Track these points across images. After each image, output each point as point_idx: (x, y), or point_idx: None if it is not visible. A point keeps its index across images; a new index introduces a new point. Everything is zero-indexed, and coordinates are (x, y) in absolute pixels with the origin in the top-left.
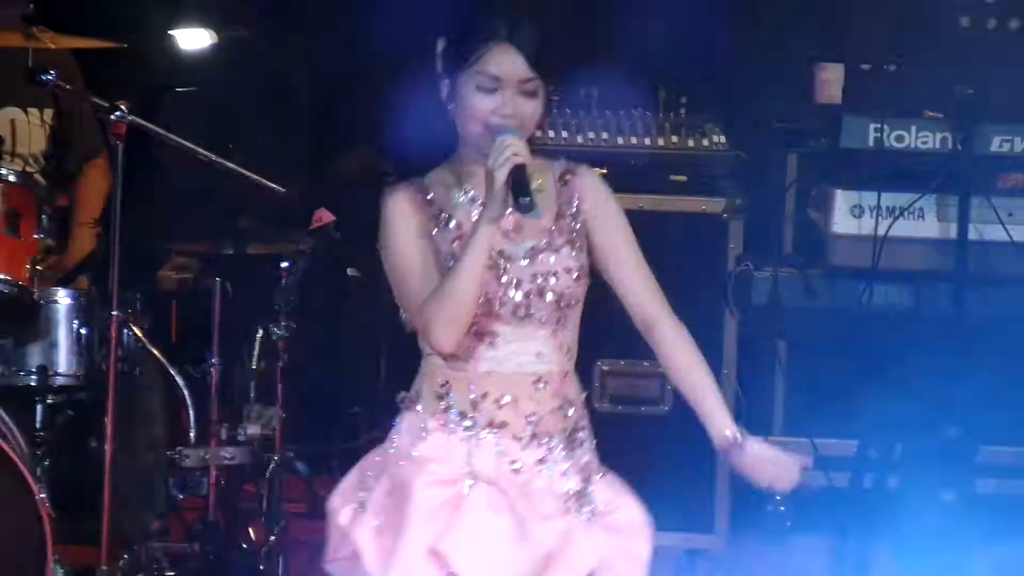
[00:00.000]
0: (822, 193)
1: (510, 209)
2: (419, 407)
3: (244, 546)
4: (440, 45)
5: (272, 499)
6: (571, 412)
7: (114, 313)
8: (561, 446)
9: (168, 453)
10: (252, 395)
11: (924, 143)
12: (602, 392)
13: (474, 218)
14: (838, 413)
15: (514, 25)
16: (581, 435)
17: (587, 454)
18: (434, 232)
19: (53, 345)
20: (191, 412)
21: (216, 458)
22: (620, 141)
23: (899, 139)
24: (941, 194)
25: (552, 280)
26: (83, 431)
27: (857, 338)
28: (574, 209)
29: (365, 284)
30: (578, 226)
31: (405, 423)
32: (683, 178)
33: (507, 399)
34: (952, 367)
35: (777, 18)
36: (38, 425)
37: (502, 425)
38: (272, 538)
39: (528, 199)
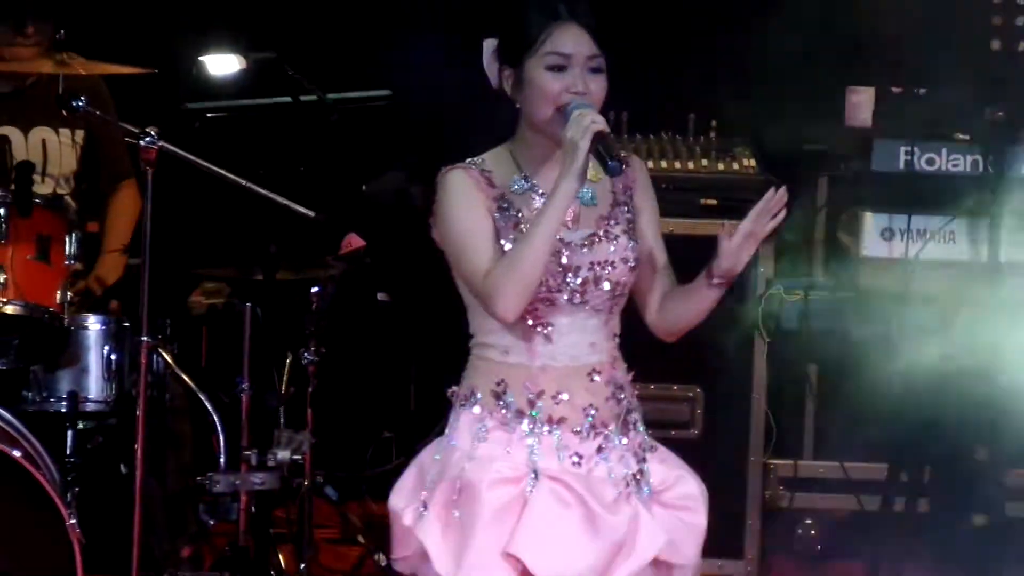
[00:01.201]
0: (853, 216)
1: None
2: (475, 405)
3: (274, 572)
4: (490, 45)
5: (302, 524)
6: (623, 397)
7: (144, 339)
8: (618, 432)
9: (198, 478)
10: (282, 420)
11: (955, 166)
12: None
13: (534, 206)
14: (868, 437)
15: (572, 3)
16: (634, 416)
17: (640, 434)
18: (495, 215)
19: (83, 371)
20: (221, 437)
21: (246, 483)
22: (650, 165)
23: (930, 162)
24: (972, 217)
25: (609, 269)
26: (113, 457)
27: (887, 361)
28: (627, 198)
29: (395, 309)
30: (630, 215)
31: (462, 422)
32: (713, 201)
33: (564, 395)
34: (982, 390)
35: (808, 41)
36: (68, 451)
37: (561, 420)
38: (302, 564)
39: (617, 163)
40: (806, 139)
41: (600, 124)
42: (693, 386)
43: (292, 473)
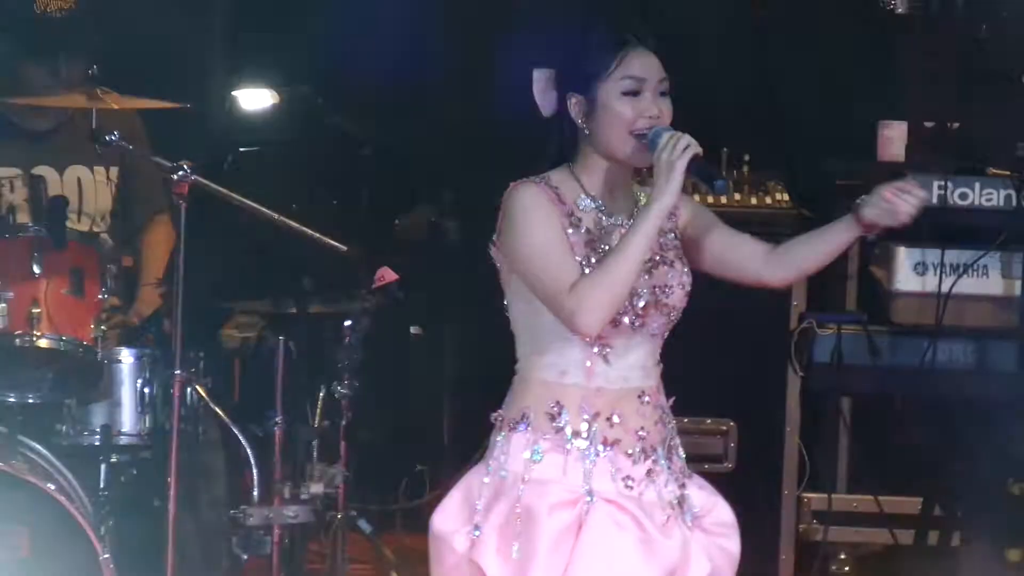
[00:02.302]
0: (885, 250)
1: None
2: (527, 428)
3: None
4: (544, 74)
5: (336, 558)
6: (669, 421)
7: (177, 372)
8: (664, 456)
9: (231, 512)
10: (315, 453)
11: (988, 200)
12: None
13: (603, 226)
14: (902, 470)
15: (639, 29)
16: (676, 440)
17: (680, 459)
18: (568, 231)
19: (117, 404)
20: (254, 471)
21: (279, 517)
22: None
23: (963, 196)
24: (1005, 251)
25: (669, 294)
26: (147, 490)
27: (920, 395)
28: (673, 223)
29: (428, 342)
30: (678, 242)
31: (513, 445)
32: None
33: (617, 417)
34: (1016, 424)
35: (841, 76)
36: (102, 484)
37: (615, 443)
38: None
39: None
40: (839, 173)
41: (696, 147)
42: (727, 420)
43: (325, 506)
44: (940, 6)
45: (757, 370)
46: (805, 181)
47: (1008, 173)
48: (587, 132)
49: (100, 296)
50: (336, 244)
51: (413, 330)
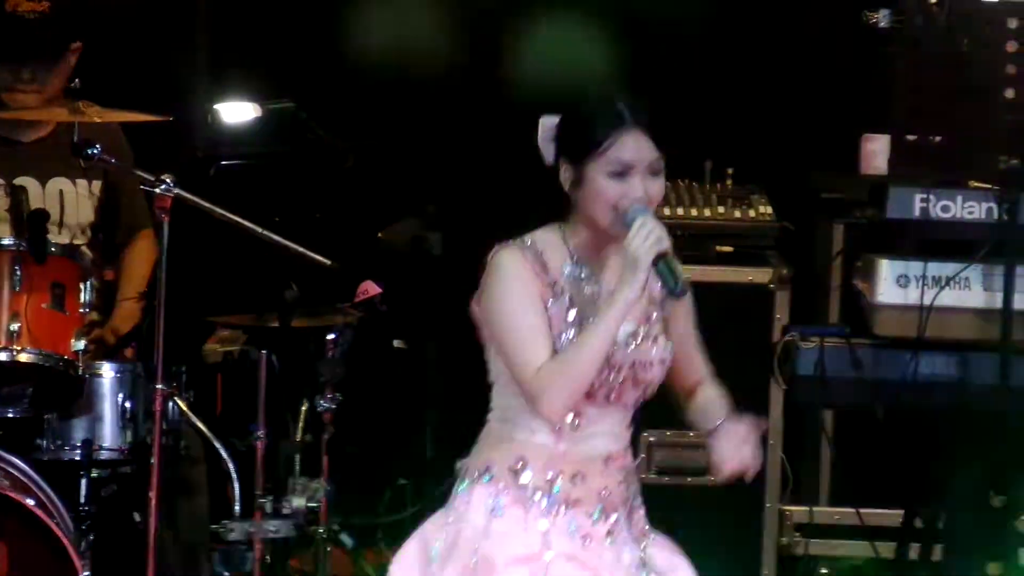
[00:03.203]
0: (868, 263)
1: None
2: (489, 481)
3: None
4: (548, 129)
5: (318, 573)
6: (632, 483)
7: (159, 387)
8: (624, 517)
9: (213, 527)
10: (297, 468)
11: (970, 213)
12: (648, 463)
13: (586, 293)
14: (884, 483)
15: (635, 107)
16: (637, 502)
17: (642, 520)
18: (549, 301)
19: (98, 419)
20: (236, 485)
21: (261, 531)
22: (667, 212)
23: (945, 209)
24: (987, 264)
25: (649, 371)
26: (127, 505)
27: (903, 408)
28: (661, 295)
29: (411, 356)
30: (666, 314)
31: (475, 497)
32: (729, 248)
33: (581, 478)
34: (997, 437)
35: (823, 90)
36: (82, 499)
37: (576, 502)
38: None
39: (681, 287)
40: (822, 186)
41: (664, 245)
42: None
43: (307, 521)
44: (922, 21)
45: (740, 383)
46: (788, 194)
47: (990, 186)
48: (573, 199)
49: (81, 310)
50: (319, 258)
51: (396, 344)
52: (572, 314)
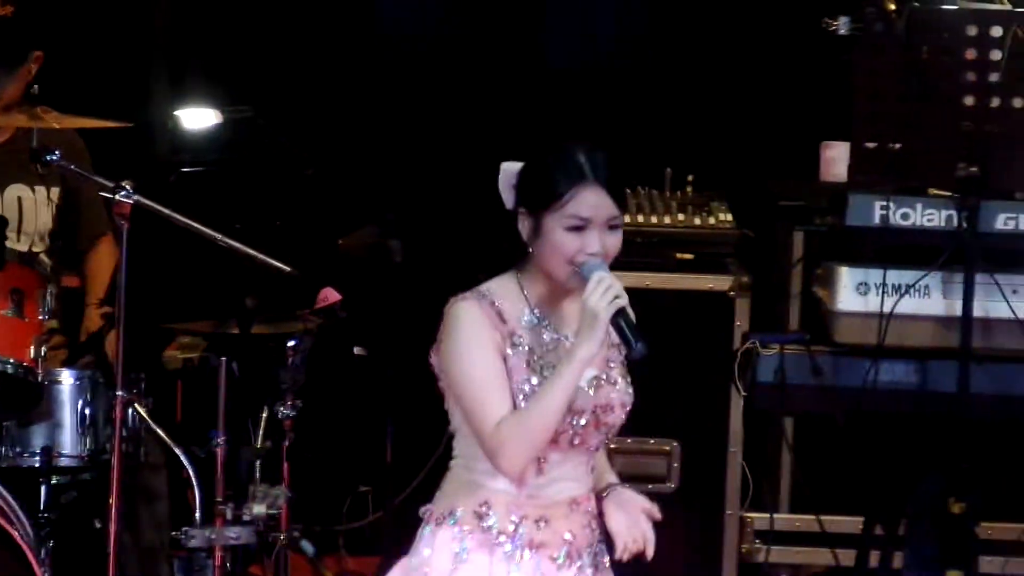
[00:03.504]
0: (828, 271)
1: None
2: (454, 524)
3: None
4: (509, 176)
5: None
6: (595, 527)
7: (119, 393)
8: (588, 562)
9: (173, 533)
10: (258, 474)
11: (930, 220)
12: None
13: (544, 340)
14: (844, 490)
15: (597, 163)
16: (601, 546)
17: (605, 568)
18: (507, 351)
19: (57, 426)
20: (196, 492)
21: (221, 538)
22: (627, 219)
23: (905, 217)
24: (946, 271)
25: (610, 414)
26: (87, 512)
27: (862, 415)
28: (619, 343)
29: (371, 363)
30: (623, 358)
31: (438, 541)
32: (690, 256)
33: (545, 522)
34: (957, 444)
35: (783, 97)
36: (42, 506)
37: (540, 546)
38: None
39: (642, 344)
40: (781, 194)
41: (622, 300)
42: (670, 440)
43: (268, 528)
44: (882, 28)
45: (700, 390)
46: (748, 201)
47: (949, 193)
48: (530, 249)
49: (40, 317)
50: (279, 265)
51: (356, 350)
52: (532, 363)
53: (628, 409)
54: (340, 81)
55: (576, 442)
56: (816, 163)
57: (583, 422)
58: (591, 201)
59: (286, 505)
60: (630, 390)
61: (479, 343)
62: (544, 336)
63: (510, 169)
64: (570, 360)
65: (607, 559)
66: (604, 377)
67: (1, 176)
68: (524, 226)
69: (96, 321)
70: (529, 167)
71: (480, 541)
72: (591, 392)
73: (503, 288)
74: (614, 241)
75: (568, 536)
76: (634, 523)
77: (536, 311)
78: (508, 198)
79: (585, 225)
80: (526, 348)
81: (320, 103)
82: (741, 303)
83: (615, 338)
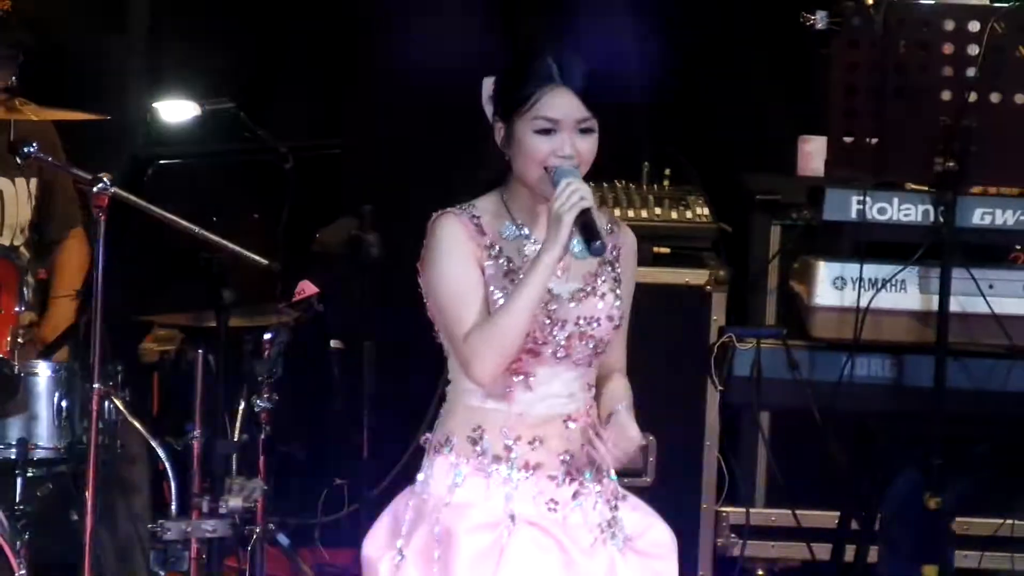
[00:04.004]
0: (805, 265)
1: (577, 249)
2: (450, 451)
3: None
4: (488, 88)
5: (254, 572)
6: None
7: (95, 386)
8: (592, 478)
9: (149, 526)
10: (234, 467)
11: (906, 215)
12: None
13: (525, 253)
14: (820, 484)
15: (565, 66)
16: (606, 463)
17: (612, 482)
18: (486, 263)
19: (34, 418)
20: (173, 485)
21: (197, 531)
22: None
23: (881, 211)
24: (923, 266)
25: (595, 326)
26: (64, 504)
27: (839, 410)
28: (614, 258)
29: (348, 356)
30: (617, 274)
31: (436, 468)
32: (666, 250)
33: (540, 442)
34: (933, 439)
35: (761, 91)
36: (18, 499)
37: (537, 466)
38: None
39: (600, 243)
40: (758, 188)
41: (587, 202)
42: (646, 433)
43: (244, 520)
44: (859, 23)
45: (677, 384)
46: (725, 195)
47: (926, 188)
48: (507, 158)
49: (17, 309)
50: (257, 258)
51: (333, 344)
52: (510, 273)
53: (616, 324)
54: (318, 74)
55: (560, 355)
56: (794, 157)
57: (566, 333)
58: (558, 103)
59: (262, 498)
60: (618, 304)
61: (456, 256)
62: (526, 249)
63: (488, 82)
64: (535, 264)
65: (613, 476)
66: (589, 289)
67: None
68: (500, 135)
69: (67, 314)
70: (502, 74)
71: (476, 466)
72: (572, 304)
73: (486, 204)
74: (586, 145)
75: (564, 456)
76: (618, 440)
77: (519, 223)
78: (488, 112)
79: (554, 128)
80: (505, 260)
81: (298, 96)
82: (718, 297)
83: (610, 257)
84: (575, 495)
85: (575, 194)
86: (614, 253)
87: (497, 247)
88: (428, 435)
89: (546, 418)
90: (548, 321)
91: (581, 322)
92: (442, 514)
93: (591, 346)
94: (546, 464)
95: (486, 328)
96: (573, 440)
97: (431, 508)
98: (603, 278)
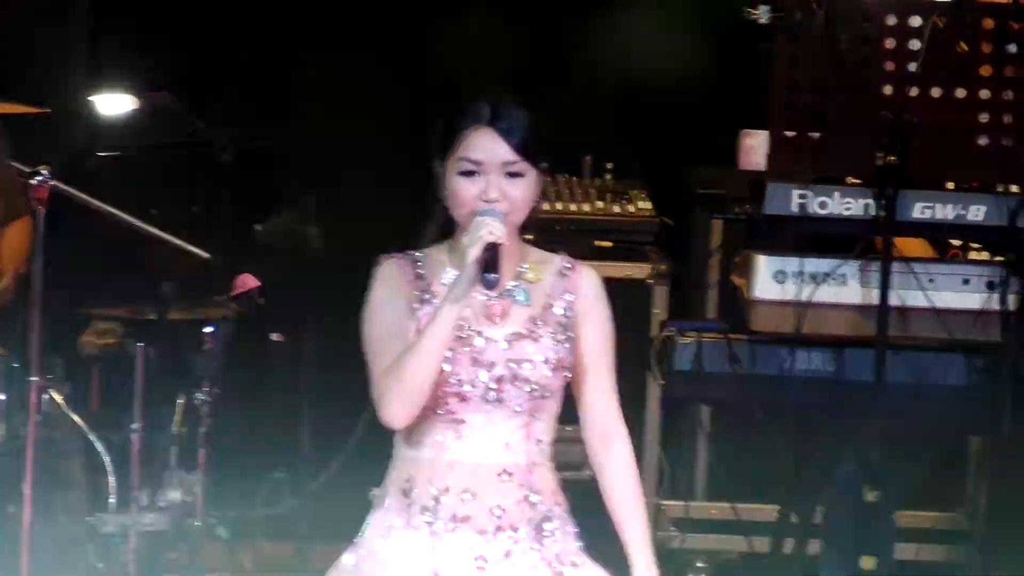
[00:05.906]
0: (746, 259)
1: (493, 294)
2: (384, 505)
3: None
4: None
5: (193, 565)
6: (538, 502)
7: (34, 379)
8: (529, 537)
9: (88, 519)
10: (173, 460)
11: (847, 209)
12: None
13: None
14: (760, 478)
15: (496, 108)
16: (552, 525)
17: (559, 544)
18: (422, 310)
19: None
20: (111, 478)
21: (136, 524)
22: (545, 207)
23: (822, 205)
24: (864, 260)
25: (527, 367)
26: (1, 497)
27: (779, 403)
28: (566, 303)
29: (288, 349)
30: (566, 320)
31: (373, 522)
32: (608, 243)
33: (469, 495)
34: (872, 432)
35: (702, 85)
36: None
37: (465, 519)
38: None
39: (493, 275)
40: (700, 182)
41: (494, 236)
42: None
43: (183, 513)
44: (801, 17)
45: (618, 378)
46: (667, 189)
47: (867, 183)
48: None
49: None
50: (197, 250)
51: (273, 337)
52: None
53: (552, 367)
54: (257, 64)
55: (492, 399)
56: (735, 151)
57: (494, 376)
58: (482, 143)
59: (201, 491)
60: (555, 347)
61: (386, 300)
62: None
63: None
64: (440, 307)
65: (562, 534)
66: (526, 332)
67: None
68: (437, 179)
69: (9, 293)
70: (435, 118)
71: (405, 519)
72: (504, 346)
73: (434, 250)
74: (515, 191)
75: (497, 511)
76: None
77: (459, 270)
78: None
79: (477, 170)
80: (437, 303)
81: (237, 87)
82: (659, 291)
83: (558, 303)
84: (507, 554)
85: (483, 228)
86: (567, 299)
87: (431, 291)
88: (376, 489)
89: (479, 468)
90: (472, 364)
91: (512, 364)
92: (364, 571)
93: (527, 390)
94: (475, 519)
95: (392, 368)
96: (508, 494)
97: (364, 563)
98: (544, 322)
